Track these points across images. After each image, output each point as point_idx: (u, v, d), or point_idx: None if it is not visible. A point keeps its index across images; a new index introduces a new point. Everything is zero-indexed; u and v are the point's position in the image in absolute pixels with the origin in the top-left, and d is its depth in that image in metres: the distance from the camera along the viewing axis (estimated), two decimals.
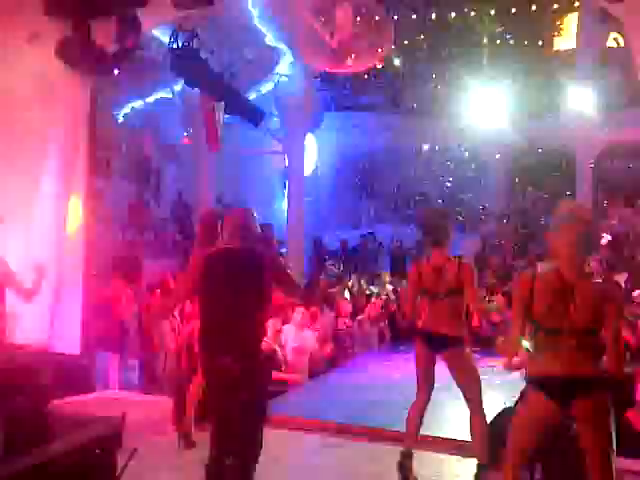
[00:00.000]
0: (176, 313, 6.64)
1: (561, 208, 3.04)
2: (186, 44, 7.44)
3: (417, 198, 16.50)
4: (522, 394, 3.05)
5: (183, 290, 3.66)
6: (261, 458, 3.30)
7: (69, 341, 5.58)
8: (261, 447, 3.29)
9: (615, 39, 14.33)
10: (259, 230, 3.54)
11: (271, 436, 3.61)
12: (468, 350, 4.21)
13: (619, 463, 3.05)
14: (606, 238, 8.42)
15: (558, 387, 2.91)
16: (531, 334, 3.04)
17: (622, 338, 3.10)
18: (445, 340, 4.10)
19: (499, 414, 4.41)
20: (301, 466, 4.62)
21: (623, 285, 7.73)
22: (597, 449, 2.89)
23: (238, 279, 3.30)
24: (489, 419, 4.19)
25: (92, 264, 6.15)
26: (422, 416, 4.21)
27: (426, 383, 4.22)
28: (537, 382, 2.97)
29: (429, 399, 4.24)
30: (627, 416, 4.50)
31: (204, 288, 3.33)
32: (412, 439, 4.21)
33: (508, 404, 4.40)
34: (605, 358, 2.92)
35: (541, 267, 3.11)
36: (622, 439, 3.09)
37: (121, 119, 10.86)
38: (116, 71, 5.79)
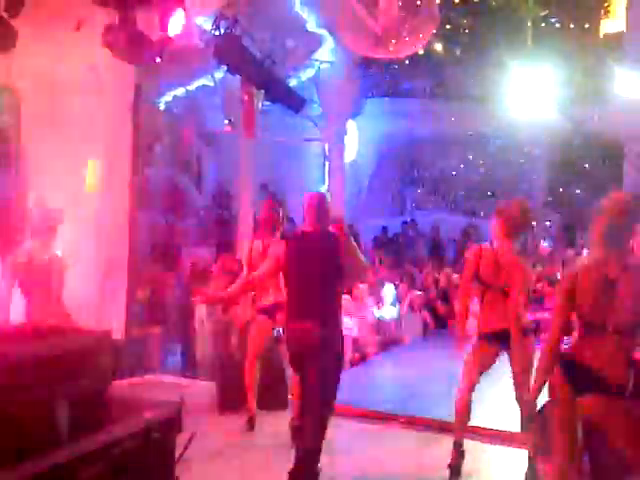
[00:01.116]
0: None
1: (607, 200, 2.95)
2: (228, 31, 7.42)
3: (460, 187, 16.29)
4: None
5: (269, 268, 4.00)
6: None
7: (115, 325, 5.68)
8: (332, 410, 3.68)
9: None
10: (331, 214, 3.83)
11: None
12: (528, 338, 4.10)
13: None
14: None
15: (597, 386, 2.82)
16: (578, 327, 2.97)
17: None
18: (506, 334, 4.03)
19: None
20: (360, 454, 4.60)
21: None
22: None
23: (316, 258, 3.74)
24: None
25: (137, 251, 6.24)
26: (470, 406, 4.18)
27: (478, 375, 4.17)
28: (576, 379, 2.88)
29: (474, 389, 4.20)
30: None
31: (289, 266, 3.82)
32: (463, 429, 4.18)
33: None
34: None
35: (585, 259, 3.02)
36: None
37: (163, 107, 10.93)
38: (158, 59, 5.82)
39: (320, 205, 3.82)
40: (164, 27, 5.42)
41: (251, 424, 4.94)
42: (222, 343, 6.42)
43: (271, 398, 5.28)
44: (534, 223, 4.20)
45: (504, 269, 4.03)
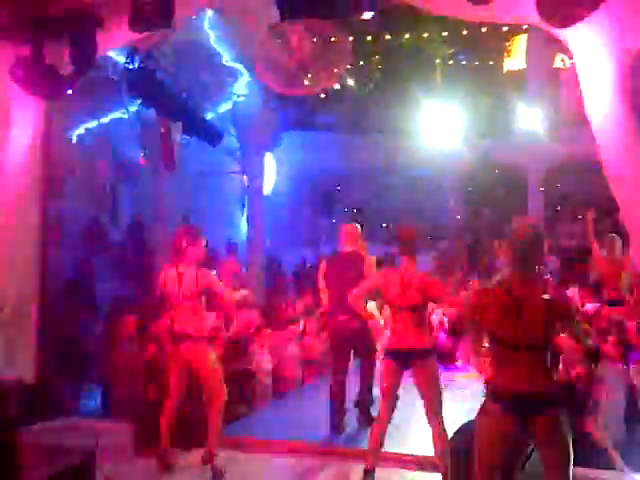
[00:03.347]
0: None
1: (512, 224, 3.13)
2: (142, 65, 7.41)
3: (378, 216, 16.65)
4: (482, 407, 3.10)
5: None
6: None
7: (25, 368, 5.44)
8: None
9: (562, 60, 14.85)
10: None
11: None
12: (434, 362, 4.28)
13: (577, 472, 3.12)
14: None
15: (515, 402, 2.95)
16: (488, 345, 3.10)
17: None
18: (413, 354, 4.18)
19: (461, 428, 4.48)
20: None
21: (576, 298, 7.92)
22: (555, 466, 2.94)
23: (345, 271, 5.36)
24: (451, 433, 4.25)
25: (47, 286, 6.02)
26: (384, 433, 4.25)
27: (391, 399, 4.26)
28: (495, 396, 3.01)
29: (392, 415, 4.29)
30: (585, 425, 4.59)
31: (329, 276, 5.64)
32: (375, 456, 4.23)
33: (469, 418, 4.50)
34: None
35: (491, 282, 3.18)
36: (580, 447, 3.16)
37: (75, 140, 10.69)
38: (70, 91, 5.73)
39: (351, 233, 5.64)
40: (75, 60, 5.35)
41: (167, 464, 4.78)
42: (142, 380, 6.27)
43: (188, 436, 5.14)
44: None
45: (410, 288, 4.19)
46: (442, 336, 8.13)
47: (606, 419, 4.72)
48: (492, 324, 2.99)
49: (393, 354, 4.29)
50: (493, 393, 3.00)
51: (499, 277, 3.15)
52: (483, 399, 3.06)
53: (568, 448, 2.90)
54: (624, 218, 4.45)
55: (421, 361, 4.19)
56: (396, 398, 4.30)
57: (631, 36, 4.23)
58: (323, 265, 5.82)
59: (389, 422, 4.30)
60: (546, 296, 3.03)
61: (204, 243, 4.81)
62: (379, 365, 4.82)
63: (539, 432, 2.89)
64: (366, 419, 5.49)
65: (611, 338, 5.24)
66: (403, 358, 4.23)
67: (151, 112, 8.60)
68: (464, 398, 5.81)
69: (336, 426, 5.54)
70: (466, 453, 3.31)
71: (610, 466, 4.50)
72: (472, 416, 3.21)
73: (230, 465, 4.75)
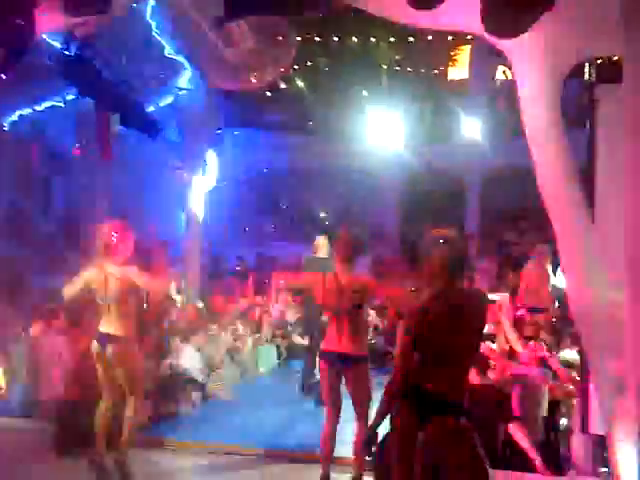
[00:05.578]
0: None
1: (432, 234, 3.14)
2: (80, 52, 7.15)
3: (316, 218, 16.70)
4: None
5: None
6: None
7: None
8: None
9: (504, 72, 15.24)
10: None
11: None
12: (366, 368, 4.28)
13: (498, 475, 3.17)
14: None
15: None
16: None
17: None
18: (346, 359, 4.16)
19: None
20: None
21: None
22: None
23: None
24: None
25: None
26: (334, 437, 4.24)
27: (336, 404, 4.25)
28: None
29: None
30: (508, 431, 4.70)
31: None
32: (326, 462, 4.21)
33: None
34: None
35: (427, 293, 3.17)
36: (504, 453, 3.21)
37: (7, 127, 10.27)
38: (3, 76, 5.48)
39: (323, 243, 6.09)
40: (8, 42, 5.11)
41: (100, 466, 4.58)
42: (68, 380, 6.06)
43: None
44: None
45: (346, 292, 4.19)
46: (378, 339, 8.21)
47: (527, 423, 4.84)
48: (437, 336, 2.98)
49: (327, 356, 4.27)
50: (419, 406, 2.98)
51: (434, 289, 3.11)
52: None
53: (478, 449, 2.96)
54: (553, 224, 4.56)
55: (354, 367, 4.19)
56: (339, 400, 4.29)
57: (561, 54, 4.35)
58: (303, 263, 6.62)
59: (336, 425, 4.26)
60: (479, 303, 3.07)
61: (133, 239, 4.66)
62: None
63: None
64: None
65: (532, 343, 5.37)
66: (336, 361, 4.21)
67: (88, 102, 8.33)
68: None
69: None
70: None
71: (532, 469, 4.63)
72: None
73: (148, 466, 4.65)
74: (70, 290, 4.71)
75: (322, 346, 4.38)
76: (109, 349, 4.50)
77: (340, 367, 4.24)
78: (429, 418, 2.93)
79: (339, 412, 4.32)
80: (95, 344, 4.59)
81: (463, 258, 3.06)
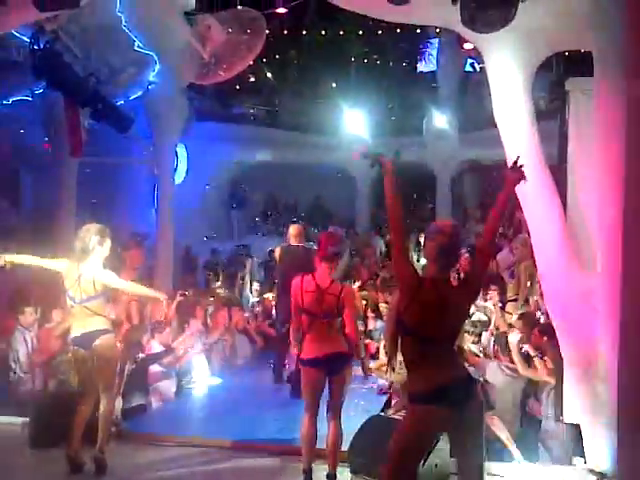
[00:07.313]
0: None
1: (434, 226, 3.23)
2: (48, 46, 7.04)
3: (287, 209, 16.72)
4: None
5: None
6: None
7: None
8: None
9: (472, 64, 15.40)
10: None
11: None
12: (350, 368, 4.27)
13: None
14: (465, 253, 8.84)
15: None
16: (406, 345, 3.14)
17: None
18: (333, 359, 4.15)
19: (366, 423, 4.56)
20: None
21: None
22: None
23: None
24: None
25: None
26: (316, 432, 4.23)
27: (317, 405, 4.23)
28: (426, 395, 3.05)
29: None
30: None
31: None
32: (310, 456, 4.20)
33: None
34: None
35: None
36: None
37: None
38: None
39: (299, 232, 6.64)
40: None
41: (77, 464, 4.53)
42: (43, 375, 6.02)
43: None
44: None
45: (327, 296, 4.14)
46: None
47: (502, 414, 4.93)
48: (417, 321, 3.04)
49: (313, 362, 4.17)
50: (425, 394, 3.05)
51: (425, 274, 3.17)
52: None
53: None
54: (526, 217, 4.67)
55: (346, 366, 4.17)
56: (319, 401, 4.26)
57: (534, 47, 4.45)
58: (278, 252, 6.81)
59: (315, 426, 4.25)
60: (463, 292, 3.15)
61: (109, 244, 4.62)
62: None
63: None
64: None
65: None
66: (323, 365, 4.15)
67: (57, 96, 8.20)
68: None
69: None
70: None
71: (508, 459, 4.73)
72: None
73: (121, 459, 4.68)
74: (35, 262, 4.67)
75: (304, 355, 4.20)
76: (84, 349, 4.48)
77: (330, 368, 4.15)
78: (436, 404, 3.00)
79: (318, 412, 4.27)
80: (71, 347, 4.58)
81: (449, 249, 3.12)
